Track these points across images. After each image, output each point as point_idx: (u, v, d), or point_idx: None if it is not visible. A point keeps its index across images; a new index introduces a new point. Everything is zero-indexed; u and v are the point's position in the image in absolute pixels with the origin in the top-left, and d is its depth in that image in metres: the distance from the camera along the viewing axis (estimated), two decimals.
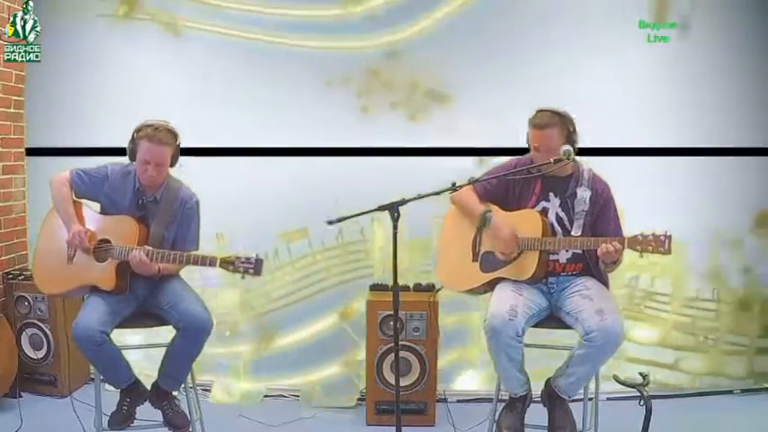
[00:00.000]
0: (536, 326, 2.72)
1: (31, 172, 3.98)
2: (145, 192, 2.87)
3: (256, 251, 2.66)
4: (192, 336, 2.75)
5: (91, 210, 2.93)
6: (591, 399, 2.76)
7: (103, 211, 2.91)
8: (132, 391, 2.85)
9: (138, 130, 2.80)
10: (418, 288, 3.61)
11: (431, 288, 3.56)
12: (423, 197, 2.69)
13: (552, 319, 2.76)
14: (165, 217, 2.86)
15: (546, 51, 3.70)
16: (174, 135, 2.83)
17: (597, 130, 3.42)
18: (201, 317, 2.77)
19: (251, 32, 3.79)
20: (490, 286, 2.81)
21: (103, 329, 2.66)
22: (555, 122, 2.71)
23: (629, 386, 2.49)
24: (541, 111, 2.76)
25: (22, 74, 3.90)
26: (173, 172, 2.92)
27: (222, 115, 3.80)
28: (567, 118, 2.74)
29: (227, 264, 2.65)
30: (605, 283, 2.79)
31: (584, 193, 2.76)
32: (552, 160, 2.66)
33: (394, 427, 2.66)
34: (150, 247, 2.73)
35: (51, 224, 2.93)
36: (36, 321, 3.70)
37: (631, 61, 3.69)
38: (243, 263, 2.64)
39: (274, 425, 3.44)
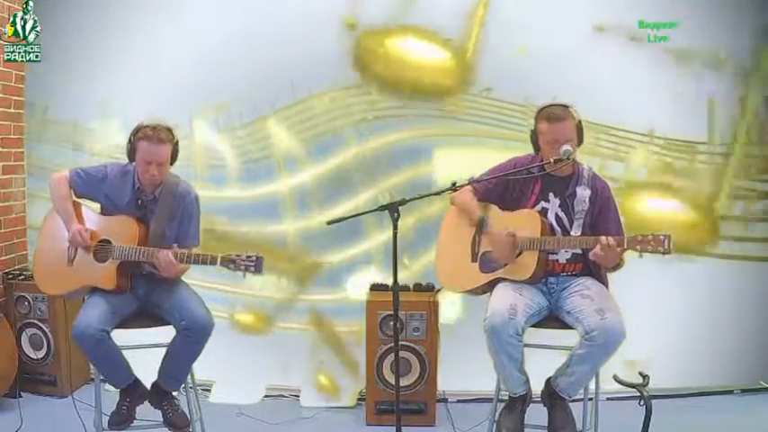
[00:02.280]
0: (536, 326, 2.72)
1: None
2: (144, 191, 2.87)
3: None
4: (193, 336, 2.75)
5: (90, 210, 2.93)
6: (591, 399, 2.76)
7: (103, 211, 2.92)
8: (132, 391, 2.85)
9: (136, 132, 2.80)
10: (418, 288, 3.61)
11: (431, 288, 3.56)
12: (423, 197, 2.70)
13: (552, 319, 2.76)
14: (165, 214, 2.86)
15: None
16: (172, 133, 2.84)
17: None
18: (203, 318, 2.76)
19: None
20: (490, 287, 2.81)
21: (104, 329, 2.66)
22: (568, 115, 2.71)
23: (629, 386, 2.49)
24: (551, 105, 2.75)
25: (22, 74, 3.91)
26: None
27: None
28: (575, 111, 2.74)
29: (228, 262, 2.65)
30: (605, 283, 2.79)
31: (583, 193, 2.76)
32: (552, 160, 2.66)
33: (394, 427, 2.67)
34: (177, 249, 2.72)
35: (51, 224, 2.93)
36: (36, 321, 3.70)
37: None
38: (244, 261, 2.64)
39: (274, 425, 3.44)
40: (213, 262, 2.67)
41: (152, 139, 2.76)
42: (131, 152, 2.82)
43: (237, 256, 2.64)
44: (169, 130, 2.83)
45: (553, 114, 2.71)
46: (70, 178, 2.88)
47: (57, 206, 2.89)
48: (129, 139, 2.82)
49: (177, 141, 2.86)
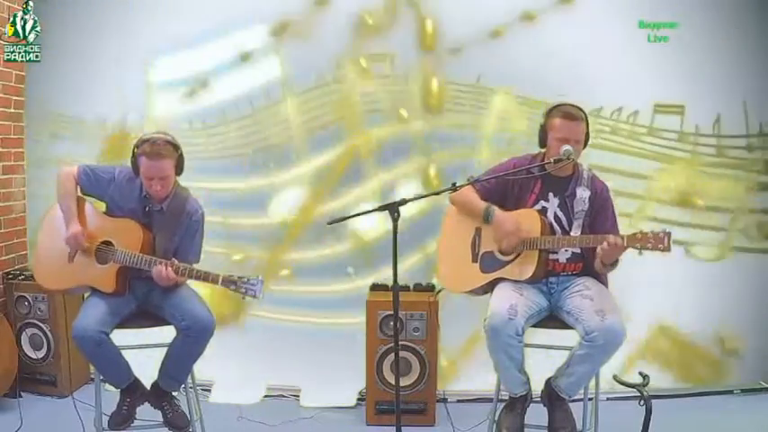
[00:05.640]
0: (536, 326, 2.72)
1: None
2: (151, 200, 2.84)
3: None
4: (194, 336, 2.75)
5: (95, 209, 2.91)
6: (591, 399, 2.76)
7: (108, 212, 2.90)
8: (132, 392, 2.84)
9: (137, 146, 2.76)
10: (418, 288, 3.61)
11: (431, 288, 3.56)
12: (423, 197, 2.70)
13: (552, 319, 2.76)
14: (170, 228, 2.85)
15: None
16: (174, 146, 2.78)
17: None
18: (204, 318, 2.76)
19: None
20: (490, 287, 2.81)
21: (103, 329, 2.66)
22: (582, 117, 2.73)
23: (629, 386, 2.49)
24: (566, 104, 2.75)
25: (22, 74, 3.91)
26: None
27: None
28: (586, 116, 2.75)
29: (229, 283, 2.64)
30: (605, 283, 2.79)
31: (583, 193, 2.76)
32: (552, 160, 2.66)
33: (394, 427, 2.66)
34: (177, 262, 2.71)
35: (54, 219, 2.91)
36: (36, 321, 3.70)
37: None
38: (245, 283, 2.62)
39: (274, 425, 3.44)
40: (214, 281, 2.66)
41: (151, 155, 2.70)
42: (135, 166, 2.78)
43: (239, 278, 2.63)
44: (169, 143, 2.76)
45: (569, 112, 2.72)
46: (78, 176, 2.85)
47: (60, 201, 2.87)
48: (133, 152, 2.78)
49: (181, 153, 2.80)
